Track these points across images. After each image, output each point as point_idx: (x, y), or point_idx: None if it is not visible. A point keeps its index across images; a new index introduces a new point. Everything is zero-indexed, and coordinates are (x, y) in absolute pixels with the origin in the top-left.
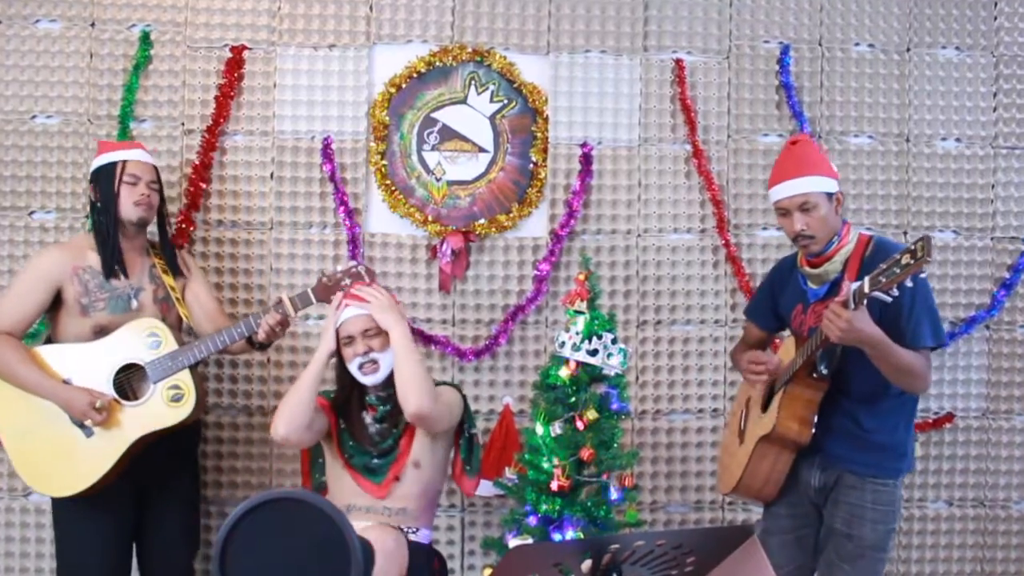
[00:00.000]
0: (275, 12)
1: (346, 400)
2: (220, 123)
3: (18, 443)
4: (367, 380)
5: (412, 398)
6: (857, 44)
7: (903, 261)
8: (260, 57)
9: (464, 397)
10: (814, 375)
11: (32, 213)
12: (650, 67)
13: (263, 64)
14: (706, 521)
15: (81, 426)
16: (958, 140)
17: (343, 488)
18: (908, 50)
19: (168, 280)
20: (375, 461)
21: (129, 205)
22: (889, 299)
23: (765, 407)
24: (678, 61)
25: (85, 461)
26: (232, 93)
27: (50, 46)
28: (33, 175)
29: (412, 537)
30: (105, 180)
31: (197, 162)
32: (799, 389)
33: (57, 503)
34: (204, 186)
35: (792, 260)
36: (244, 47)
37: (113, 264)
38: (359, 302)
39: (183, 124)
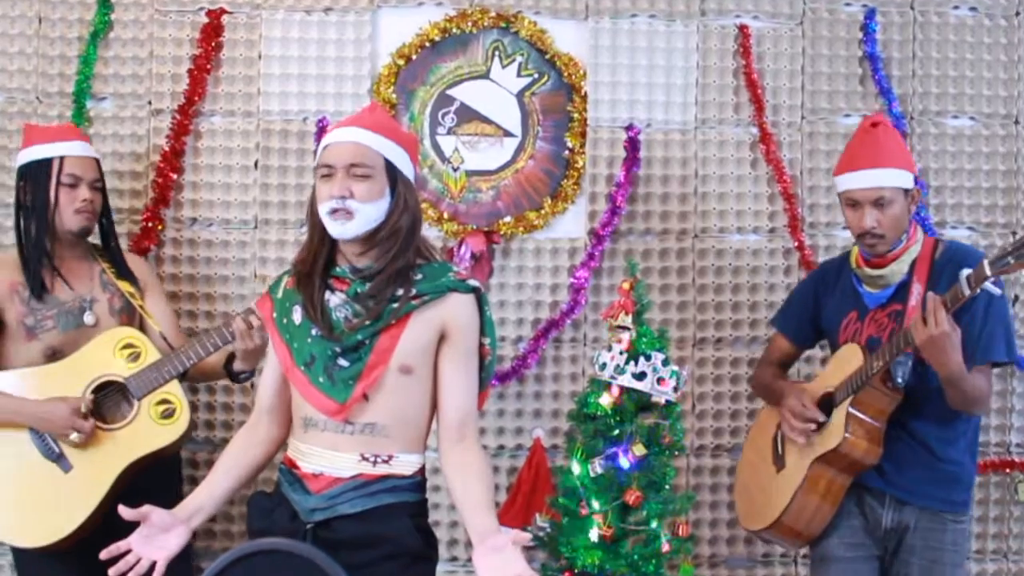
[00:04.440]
0: None
1: (311, 265)
2: (194, 102)
3: None
4: (334, 230)
5: None
6: (956, 7)
7: None
8: (242, 23)
9: (480, 297)
10: (888, 384)
11: None
12: (709, 35)
13: (246, 31)
14: None
15: (57, 459)
16: None
17: (293, 397)
18: (1018, 14)
19: (125, 286)
20: (340, 363)
21: (69, 213)
22: (999, 291)
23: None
24: (742, 27)
25: (66, 501)
26: (208, 66)
27: None
28: None
29: (381, 469)
30: (37, 180)
31: (167, 148)
32: (871, 399)
33: (20, 557)
34: (175, 177)
35: (840, 262)
36: (223, 11)
37: (43, 281)
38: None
39: (150, 103)
